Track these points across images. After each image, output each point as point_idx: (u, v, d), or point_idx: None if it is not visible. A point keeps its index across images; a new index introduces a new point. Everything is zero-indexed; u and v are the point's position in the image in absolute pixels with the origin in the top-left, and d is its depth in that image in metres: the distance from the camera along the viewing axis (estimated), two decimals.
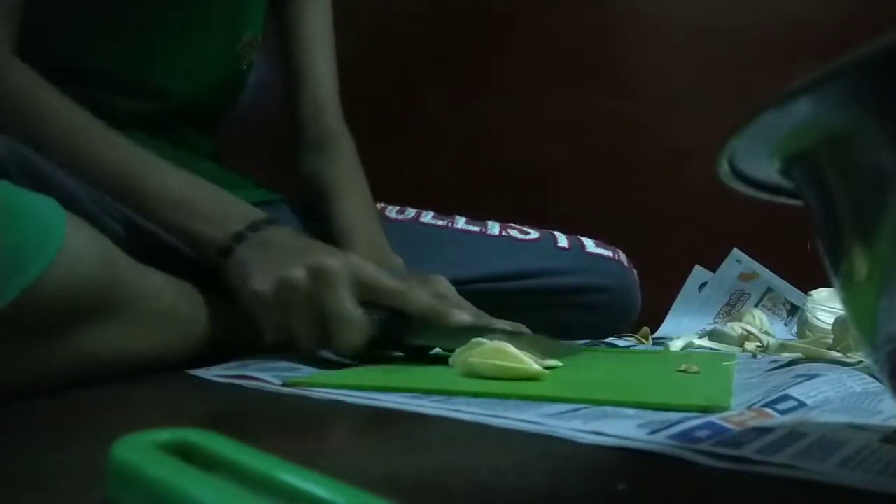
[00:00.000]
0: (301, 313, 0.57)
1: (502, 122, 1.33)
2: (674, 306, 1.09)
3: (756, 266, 1.06)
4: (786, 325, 1.01)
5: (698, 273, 1.10)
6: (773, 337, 0.82)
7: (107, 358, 0.50)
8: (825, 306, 0.79)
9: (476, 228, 0.90)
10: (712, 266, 1.09)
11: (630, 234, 1.03)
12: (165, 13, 0.74)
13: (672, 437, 0.31)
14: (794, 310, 1.01)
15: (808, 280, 0.87)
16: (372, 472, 0.27)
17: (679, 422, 0.33)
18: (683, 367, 0.53)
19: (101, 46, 0.73)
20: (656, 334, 0.99)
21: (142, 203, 0.60)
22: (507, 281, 0.85)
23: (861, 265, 0.21)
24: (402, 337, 0.60)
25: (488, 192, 1.27)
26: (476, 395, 0.43)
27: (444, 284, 0.65)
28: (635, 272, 0.93)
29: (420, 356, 0.62)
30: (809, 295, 0.83)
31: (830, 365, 0.55)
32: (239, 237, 0.60)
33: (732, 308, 1.05)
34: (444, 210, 0.94)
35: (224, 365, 0.57)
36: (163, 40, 0.75)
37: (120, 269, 0.50)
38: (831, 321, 0.74)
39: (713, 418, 0.33)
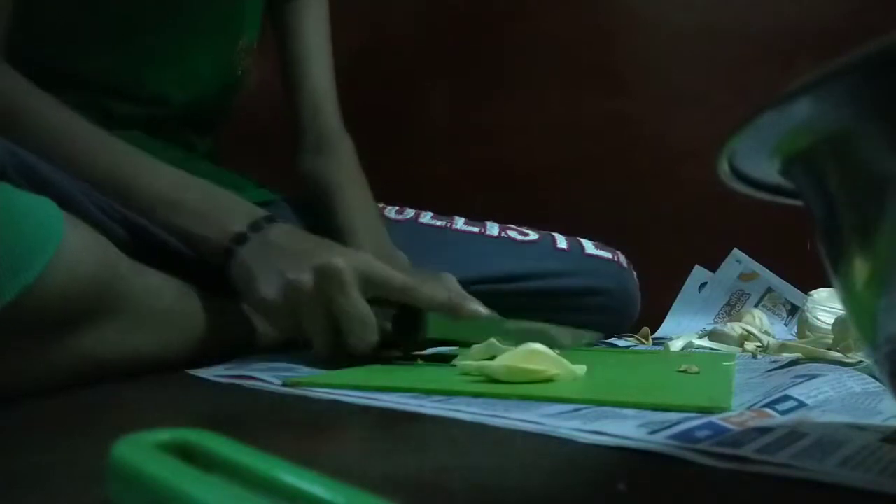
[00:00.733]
0: (312, 316, 0.56)
1: (502, 122, 1.33)
2: (674, 306, 1.09)
3: (756, 266, 1.06)
4: (786, 325, 1.01)
5: (698, 273, 1.10)
6: (773, 337, 0.82)
7: (107, 358, 0.50)
8: (825, 306, 0.79)
9: (475, 229, 0.91)
10: (712, 266, 1.09)
11: (630, 235, 1.03)
12: (161, 20, 0.74)
13: (672, 437, 0.31)
14: (794, 310, 1.01)
15: (808, 280, 0.87)
16: (372, 472, 0.27)
17: (679, 422, 0.33)
18: (683, 367, 0.53)
19: (98, 52, 0.73)
20: (656, 334, 0.99)
21: (136, 205, 0.59)
22: (506, 282, 0.85)
23: (861, 265, 0.21)
24: (415, 332, 0.60)
25: (488, 192, 1.27)
26: (476, 395, 0.43)
27: (450, 281, 0.65)
28: (635, 273, 0.93)
29: (424, 356, 0.62)
30: (809, 295, 0.83)
31: (830, 365, 0.55)
32: (240, 238, 0.59)
33: (732, 308, 1.05)
34: (444, 211, 0.94)
35: (224, 365, 0.57)
36: (158, 47, 0.75)
37: (119, 270, 0.50)
38: (831, 321, 0.73)
39: (713, 418, 0.33)
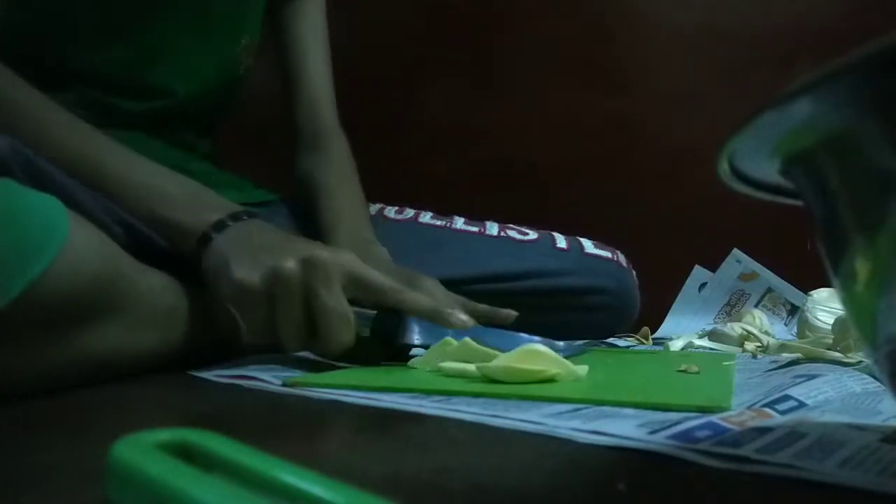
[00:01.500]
0: (290, 306, 0.54)
1: (502, 122, 1.33)
2: (674, 306, 1.09)
3: (756, 266, 1.06)
4: (786, 325, 1.01)
5: (698, 273, 1.10)
6: (773, 337, 0.82)
7: (111, 355, 0.50)
8: (825, 306, 0.79)
9: (475, 229, 0.91)
10: (712, 266, 1.09)
11: (630, 235, 1.03)
12: (164, 16, 0.74)
13: (672, 436, 0.31)
14: (794, 310, 1.01)
15: (808, 280, 0.87)
16: (372, 472, 0.27)
17: (679, 422, 0.33)
18: (683, 367, 0.53)
19: (100, 48, 0.73)
20: (656, 334, 0.99)
21: (107, 188, 0.57)
22: (506, 281, 0.85)
23: (861, 265, 0.21)
24: (393, 336, 0.58)
25: (487, 192, 1.27)
26: (476, 395, 0.43)
27: (430, 282, 0.65)
28: (634, 273, 0.93)
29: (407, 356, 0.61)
30: (809, 295, 0.83)
31: (830, 365, 0.55)
32: (219, 226, 0.57)
33: (732, 308, 1.05)
34: (443, 210, 0.94)
35: (224, 365, 0.57)
36: (161, 43, 0.75)
37: (122, 268, 0.51)
38: (831, 321, 0.74)
39: (713, 418, 0.33)
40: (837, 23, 1.14)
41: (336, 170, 0.84)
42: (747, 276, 1.06)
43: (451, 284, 0.69)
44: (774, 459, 0.27)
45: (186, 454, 0.21)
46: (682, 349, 0.77)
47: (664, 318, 1.08)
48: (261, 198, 0.86)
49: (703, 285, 1.09)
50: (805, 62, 0.88)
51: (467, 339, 0.52)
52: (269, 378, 0.50)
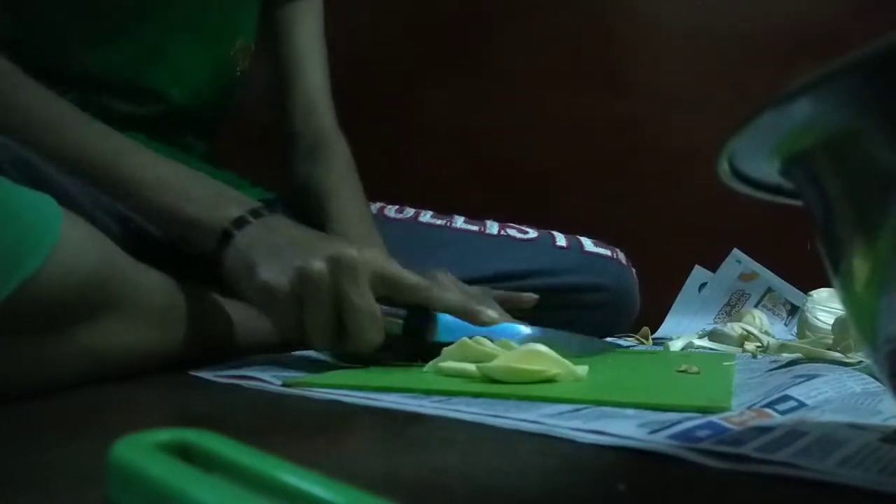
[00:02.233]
0: (318, 307, 0.52)
1: (502, 122, 1.33)
2: (674, 306, 1.09)
3: (756, 266, 1.06)
4: (786, 325, 1.01)
5: (698, 273, 1.10)
6: (773, 337, 0.82)
7: (108, 353, 0.50)
8: (825, 306, 0.79)
9: (475, 228, 0.91)
10: (712, 266, 1.09)
11: (630, 235, 1.03)
12: (156, 17, 0.74)
13: (672, 436, 0.31)
14: (794, 310, 1.01)
15: (808, 280, 0.87)
16: (372, 472, 0.27)
17: (679, 422, 0.33)
18: (683, 367, 0.53)
19: (94, 50, 0.73)
20: (656, 334, 0.99)
21: (116, 185, 0.56)
22: (506, 280, 0.85)
23: (861, 265, 0.21)
24: (424, 334, 0.57)
25: (488, 191, 1.27)
26: (476, 395, 0.43)
27: (446, 277, 0.65)
28: (634, 271, 0.93)
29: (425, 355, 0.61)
30: (809, 295, 0.83)
31: (830, 365, 0.55)
32: (240, 222, 0.56)
33: (732, 308, 1.05)
34: (444, 210, 0.94)
35: (224, 365, 0.57)
36: (155, 45, 0.75)
37: (117, 265, 0.50)
38: (831, 321, 0.73)
39: (713, 418, 0.33)
40: (837, 23, 1.14)
41: (341, 174, 0.83)
42: (747, 276, 1.06)
43: None
44: (774, 458, 0.27)
45: (186, 454, 0.21)
46: (682, 349, 0.77)
47: (664, 318, 1.08)
48: (258, 196, 0.86)
49: (703, 285, 1.09)
50: (805, 62, 0.87)
51: (465, 338, 0.52)
52: (269, 378, 0.50)
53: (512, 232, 0.91)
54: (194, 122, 0.81)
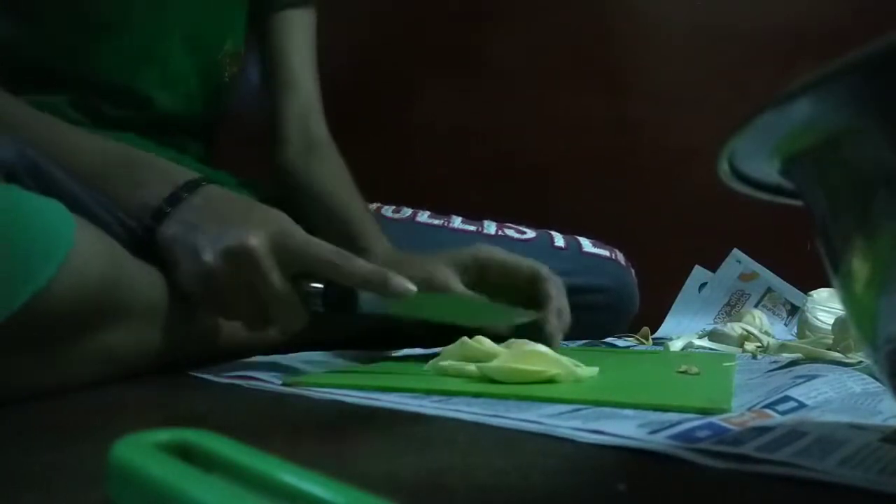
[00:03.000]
0: (232, 301, 0.53)
1: (501, 121, 1.33)
2: (674, 306, 1.09)
3: (756, 266, 1.06)
4: (786, 325, 1.01)
5: (698, 273, 1.10)
6: (773, 337, 0.82)
7: (119, 357, 0.51)
8: (825, 306, 0.79)
9: (472, 228, 0.91)
10: (712, 266, 1.09)
11: (630, 235, 1.03)
12: (144, 20, 0.74)
13: (672, 437, 0.31)
14: (794, 310, 1.01)
15: (808, 280, 0.87)
16: (372, 472, 0.27)
17: (679, 422, 0.33)
18: (684, 367, 0.53)
19: (82, 53, 0.73)
20: (656, 334, 0.99)
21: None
22: None
23: (861, 265, 0.21)
24: (344, 309, 0.56)
25: (487, 191, 1.27)
26: (476, 395, 0.43)
27: (442, 271, 0.65)
28: (633, 271, 0.93)
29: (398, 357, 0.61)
30: (809, 295, 0.83)
31: (830, 365, 0.55)
32: (158, 215, 0.55)
33: (732, 308, 1.05)
34: (442, 209, 0.94)
35: (224, 365, 0.57)
36: (141, 48, 0.75)
37: (126, 269, 0.51)
38: (831, 321, 0.73)
39: (713, 419, 0.33)
40: (837, 23, 1.14)
41: (341, 176, 0.83)
42: (747, 276, 1.06)
43: None
44: (774, 458, 0.27)
45: (186, 454, 0.21)
46: (682, 349, 0.77)
47: (664, 318, 1.08)
48: (254, 196, 0.86)
49: (703, 285, 1.09)
50: (805, 62, 0.87)
51: (465, 338, 0.52)
52: (269, 378, 0.50)
53: (510, 232, 0.91)
54: (187, 125, 0.81)
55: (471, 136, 1.34)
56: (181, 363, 0.57)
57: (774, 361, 0.62)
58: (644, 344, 0.86)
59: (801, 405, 0.38)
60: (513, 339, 0.54)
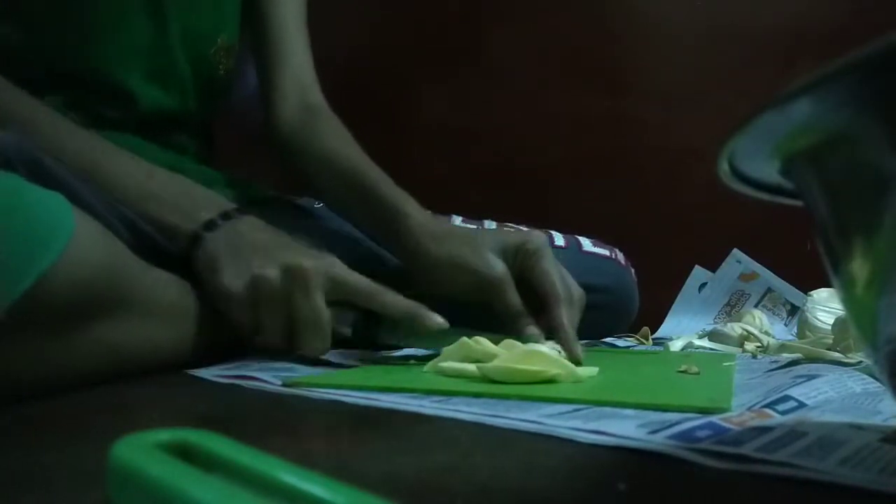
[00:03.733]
0: (272, 313, 0.56)
1: (501, 121, 1.33)
2: (674, 306, 1.09)
3: (756, 266, 1.06)
4: (786, 325, 1.01)
5: (698, 273, 1.10)
6: (773, 337, 0.82)
7: (123, 352, 0.51)
8: (825, 306, 0.79)
9: (473, 227, 0.90)
10: (712, 266, 1.09)
11: (630, 235, 1.03)
12: (131, 16, 0.74)
13: (672, 436, 0.31)
14: (794, 310, 1.01)
15: (808, 280, 0.87)
16: (372, 472, 0.27)
17: (679, 422, 0.33)
18: (684, 367, 0.53)
19: (77, 53, 0.72)
20: (656, 334, 0.99)
21: (108, 192, 0.57)
22: None
23: (861, 265, 0.21)
24: (375, 337, 0.61)
25: (486, 191, 1.27)
26: (476, 395, 0.43)
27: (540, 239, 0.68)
28: (633, 270, 0.93)
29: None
30: (809, 295, 0.83)
31: (830, 365, 0.55)
32: (209, 225, 0.58)
33: (732, 308, 1.05)
34: (442, 209, 0.94)
35: (224, 365, 0.57)
36: (131, 44, 0.74)
37: (127, 261, 0.51)
38: (831, 321, 0.73)
39: (713, 419, 0.33)
40: (837, 23, 1.14)
41: (350, 141, 0.81)
42: (747, 277, 1.06)
43: None
44: (774, 458, 0.27)
45: (186, 454, 0.21)
46: (682, 349, 0.77)
47: (664, 318, 1.08)
48: (253, 195, 0.86)
49: (703, 285, 1.09)
50: (805, 62, 0.87)
51: (465, 338, 0.52)
52: (269, 378, 0.50)
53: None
54: (183, 122, 0.81)
55: (471, 136, 1.34)
56: (183, 363, 0.57)
57: (774, 361, 0.62)
58: (644, 344, 0.86)
59: (801, 405, 0.38)
60: (508, 339, 0.54)
